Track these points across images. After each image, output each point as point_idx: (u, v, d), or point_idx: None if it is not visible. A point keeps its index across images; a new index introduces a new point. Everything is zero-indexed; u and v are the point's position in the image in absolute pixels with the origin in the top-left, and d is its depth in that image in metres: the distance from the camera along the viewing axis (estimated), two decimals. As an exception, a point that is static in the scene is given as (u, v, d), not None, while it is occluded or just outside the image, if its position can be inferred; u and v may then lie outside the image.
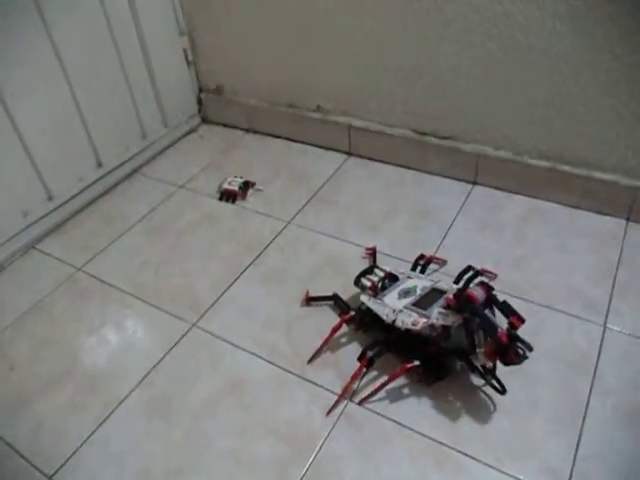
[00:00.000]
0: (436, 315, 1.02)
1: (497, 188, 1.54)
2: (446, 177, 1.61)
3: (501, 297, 1.04)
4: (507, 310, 1.02)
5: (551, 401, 1.03)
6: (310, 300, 1.26)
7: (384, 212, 1.51)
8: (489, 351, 0.97)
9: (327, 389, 1.08)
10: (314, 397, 1.07)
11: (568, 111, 1.35)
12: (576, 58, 1.27)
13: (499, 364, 0.99)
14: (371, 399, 1.06)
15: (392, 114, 1.61)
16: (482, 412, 1.02)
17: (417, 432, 1.00)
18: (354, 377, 1.06)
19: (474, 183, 1.58)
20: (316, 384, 1.10)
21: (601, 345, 1.12)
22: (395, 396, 1.06)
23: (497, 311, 1.03)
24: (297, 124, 1.80)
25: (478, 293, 1.00)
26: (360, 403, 1.05)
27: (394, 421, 1.02)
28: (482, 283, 1.05)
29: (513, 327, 0.98)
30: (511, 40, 1.32)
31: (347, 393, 1.07)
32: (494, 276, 1.25)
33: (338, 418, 1.03)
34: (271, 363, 1.15)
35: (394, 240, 1.41)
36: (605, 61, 1.24)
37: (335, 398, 1.06)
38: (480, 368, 1.03)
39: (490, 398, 1.04)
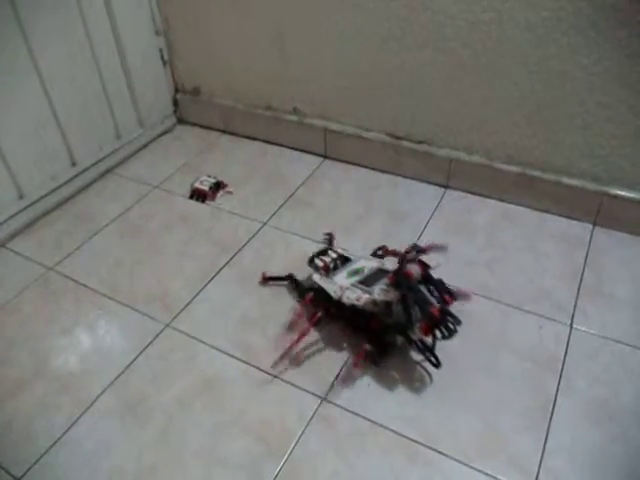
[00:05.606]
0: (377, 291, 1.09)
1: (469, 192, 1.58)
2: (420, 181, 1.63)
3: (474, 298, 1.07)
4: (441, 288, 1.11)
5: (520, 398, 1.06)
6: (267, 280, 1.32)
7: (359, 214, 1.53)
8: (424, 326, 1.02)
9: (301, 388, 1.09)
10: (288, 396, 1.08)
11: (537, 118, 1.39)
12: (545, 67, 1.31)
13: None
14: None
15: (368, 118, 1.63)
16: (452, 409, 1.04)
17: (389, 429, 1.02)
18: (299, 316, 1.18)
19: (446, 187, 1.61)
20: (290, 383, 1.10)
21: (568, 344, 1.15)
22: (365, 394, 1.08)
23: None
24: (274, 126, 1.81)
25: (415, 270, 1.07)
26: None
27: (367, 419, 1.03)
28: (419, 261, 1.13)
29: (445, 304, 1.08)
30: (482, 48, 1.35)
31: (300, 340, 1.11)
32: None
33: (312, 417, 1.04)
34: (245, 362, 1.15)
35: (368, 242, 1.42)
36: (571, 70, 1.29)
37: (309, 396, 1.07)
38: (418, 343, 1.08)
39: (460, 395, 1.06)
